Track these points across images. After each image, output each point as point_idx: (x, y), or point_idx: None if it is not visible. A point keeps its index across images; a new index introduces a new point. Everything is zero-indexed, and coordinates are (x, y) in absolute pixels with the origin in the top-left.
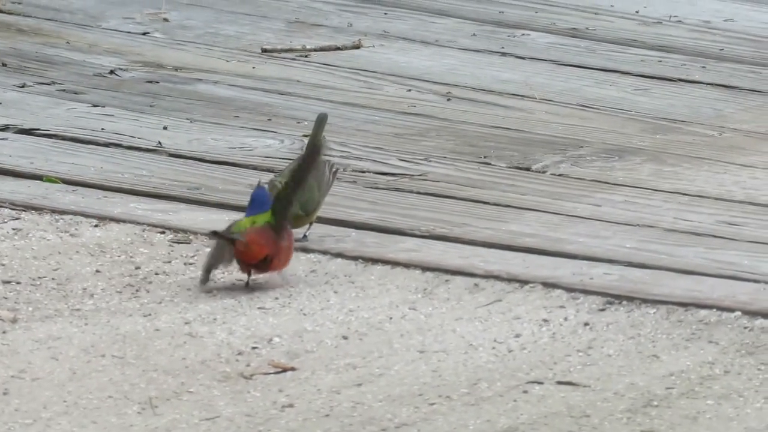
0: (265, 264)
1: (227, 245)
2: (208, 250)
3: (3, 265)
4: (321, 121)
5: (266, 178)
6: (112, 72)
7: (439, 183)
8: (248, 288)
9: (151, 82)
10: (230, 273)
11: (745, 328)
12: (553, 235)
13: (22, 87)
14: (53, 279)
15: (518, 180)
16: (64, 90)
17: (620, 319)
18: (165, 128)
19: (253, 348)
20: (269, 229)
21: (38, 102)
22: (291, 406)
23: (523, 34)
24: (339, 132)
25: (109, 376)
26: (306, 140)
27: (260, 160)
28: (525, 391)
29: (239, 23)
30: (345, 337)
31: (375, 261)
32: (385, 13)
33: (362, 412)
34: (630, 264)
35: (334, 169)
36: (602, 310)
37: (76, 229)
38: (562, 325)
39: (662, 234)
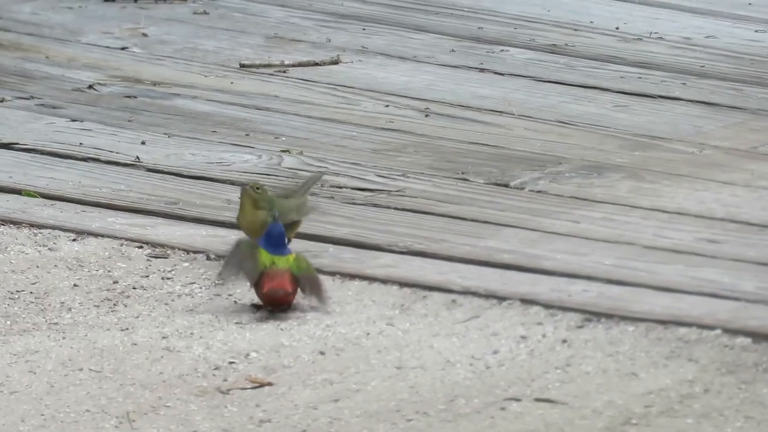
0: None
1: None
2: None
3: None
4: (314, 179)
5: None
6: (90, 87)
7: (416, 199)
8: (226, 303)
9: (129, 96)
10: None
11: (726, 346)
12: (531, 251)
13: (1, 101)
14: (31, 293)
15: (496, 196)
16: (42, 104)
17: (599, 336)
18: (143, 143)
19: (230, 363)
20: (292, 277)
21: (17, 116)
22: (268, 421)
23: (502, 50)
24: (317, 147)
25: (87, 390)
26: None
27: (238, 175)
28: (503, 408)
29: (218, 38)
30: (322, 353)
31: (352, 276)
32: (364, 29)
33: (339, 428)
34: (609, 281)
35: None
36: (580, 327)
37: (54, 243)
38: (540, 341)
39: (641, 251)
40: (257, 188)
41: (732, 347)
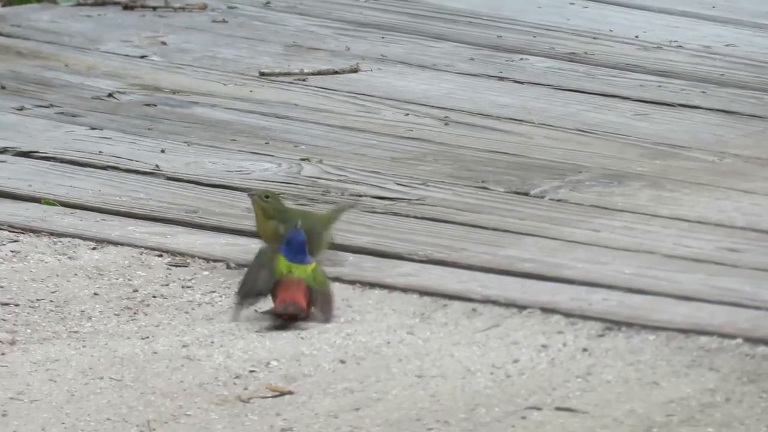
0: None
1: (265, 275)
2: (242, 277)
3: (1, 287)
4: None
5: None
6: (110, 95)
7: (436, 207)
8: (247, 311)
9: (148, 105)
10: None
11: (747, 355)
12: (552, 260)
13: (21, 110)
14: (51, 301)
15: (516, 205)
16: (62, 113)
17: (619, 345)
18: (163, 151)
19: (251, 371)
20: (306, 289)
21: (36, 125)
22: (288, 430)
23: (521, 59)
24: (336, 156)
25: (107, 399)
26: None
27: (257, 183)
28: (523, 417)
29: (237, 47)
30: (342, 361)
31: (373, 285)
32: (383, 37)
33: None
34: (629, 290)
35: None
36: (601, 335)
37: (74, 251)
38: (561, 350)
39: (662, 260)
40: (266, 197)
41: (753, 356)
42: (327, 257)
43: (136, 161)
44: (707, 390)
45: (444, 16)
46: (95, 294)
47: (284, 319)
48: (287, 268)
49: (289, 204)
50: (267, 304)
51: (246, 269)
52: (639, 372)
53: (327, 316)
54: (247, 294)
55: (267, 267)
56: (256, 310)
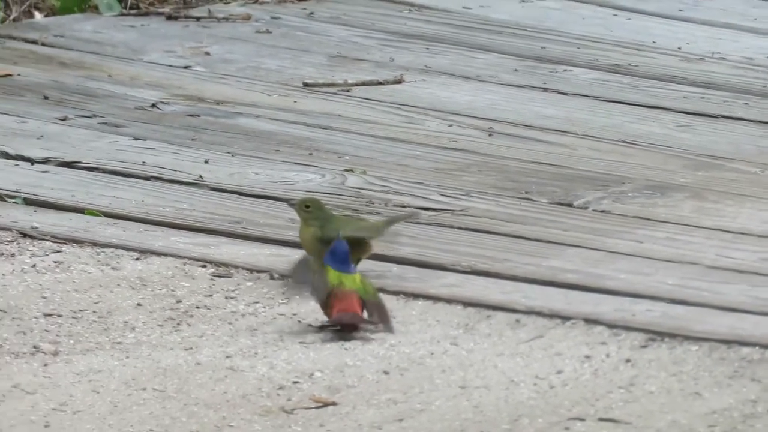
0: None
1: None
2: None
3: (44, 297)
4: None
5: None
6: (153, 105)
7: (480, 218)
8: (290, 322)
9: (192, 115)
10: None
11: None
12: (595, 271)
13: (64, 120)
14: (94, 312)
15: (560, 216)
16: (105, 123)
17: (662, 356)
18: (206, 162)
19: (294, 382)
20: (359, 300)
21: (79, 135)
22: None
23: (565, 70)
24: (380, 166)
25: (150, 410)
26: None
27: (301, 194)
28: (566, 428)
29: (280, 57)
30: (386, 372)
31: (416, 296)
32: (427, 48)
33: None
34: (672, 301)
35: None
36: (644, 346)
37: (117, 262)
38: (604, 361)
39: (705, 271)
40: (306, 206)
41: None
42: (370, 268)
43: (180, 172)
44: (749, 401)
45: (488, 27)
46: (138, 305)
47: (346, 330)
48: (337, 278)
49: (333, 212)
50: (313, 315)
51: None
52: (681, 383)
53: (389, 327)
54: (298, 285)
55: (318, 275)
56: (299, 321)
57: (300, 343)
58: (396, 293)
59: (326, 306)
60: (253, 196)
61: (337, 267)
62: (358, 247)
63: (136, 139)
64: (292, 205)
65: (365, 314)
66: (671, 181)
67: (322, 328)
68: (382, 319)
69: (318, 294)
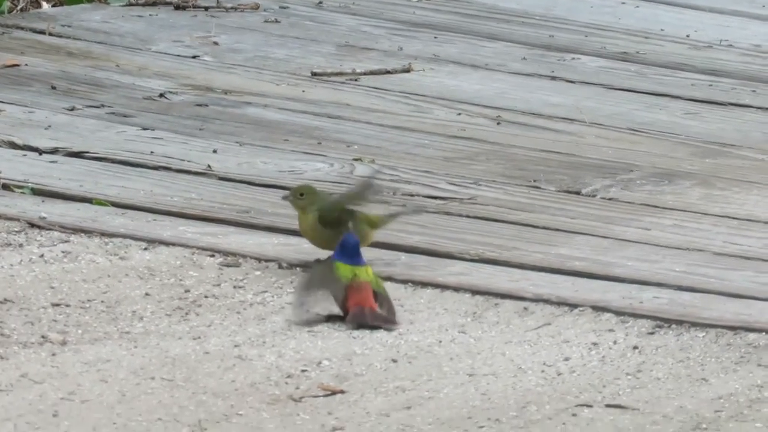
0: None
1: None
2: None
3: (53, 287)
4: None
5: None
6: (161, 95)
7: (488, 207)
8: (298, 311)
9: (200, 105)
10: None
11: None
12: (603, 258)
13: (72, 110)
14: (102, 302)
15: (568, 204)
16: (113, 113)
17: (669, 342)
18: (215, 151)
19: (303, 371)
20: (374, 293)
21: (88, 125)
22: (340, 429)
23: (573, 58)
24: (389, 155)
25: (159, 399)
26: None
27: (310, 183)
28: (574, 414)
29: (289, 47)
30: (394, 361)
31: (424, 284)
32: (435, 37)
33: None
34: (679, 288)
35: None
36: (651, 333)
37: (125, 252)
38: (612, 348)
39: (712, 258)
40: (301, 194)
41: None
42: (378, 256)
43: (188, 161)
44: (755, 386)
45: (496, 16)
46: (147, 294)
47: (358, 324)
48: (351, 272)
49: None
50: (321, 304)
51: (308, 271)
52: (688, 369)
53: (394, 320)
54: (310, 293)
55: (329, 276)
56: (308, 310)
57: (308, 331)
58: (404, 282)
59: (342, 300)
60: (262, 185)
61: (347, 261)
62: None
63: (145, 129)
64: (285, 199)
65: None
66: (679, 168)
67: (329, 316)
68: (389, 311)
69: (335, 294)
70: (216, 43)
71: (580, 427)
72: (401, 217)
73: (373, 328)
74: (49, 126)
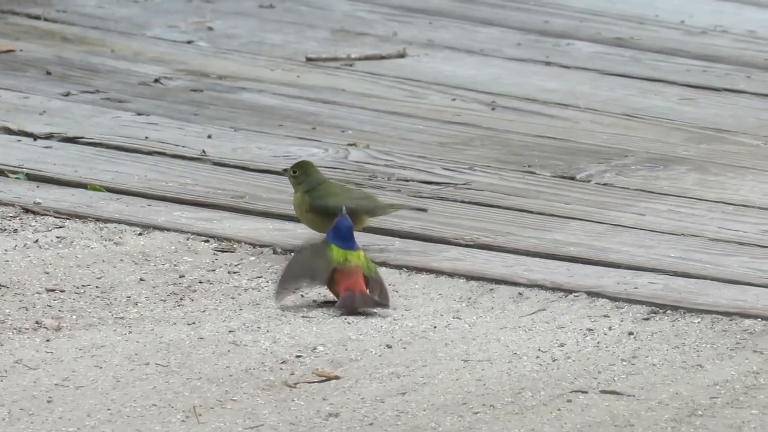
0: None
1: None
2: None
3: (47, 273)
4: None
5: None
6: (156, 80)
7: (483, 192)
8: (293, 296)
9: (195, 90)
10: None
11: None
12: (598, 244)
13: (67, 95)
14: (97, 287)
15: (562, 189)
16: (108, 98)
17: (665, 328)
18: (209, 137)
19: (297, 357)
20: (364, 278)
21: (82, 110)
22: (335, 414)
23: (568, 44)
24: (383, 141)
25: (153, 384)
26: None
27: None
28: (569, 401)
29: (284, 32)
30: (389, 346)
31: (419, 270)
32: (430, 23)
33: (406, 421)
34: (674, 273)
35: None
36: (646, 319)
37: (120, 237)
38: (607, 334)
39: (707, 243)
40: (294, 171)
41: None
42: (373, 242)
43: (183, 147)
44: (751, 372)
45: (491, 1)
46: (141, 280)
47: (346, 310)
48: (342, 256)
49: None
50: (316, 290)
51: (292, 255)
52: (684, 355)
53: (387, 303)
54: (294, 279)
55: (319, 257)
56: (302, 295)
57: (303, 317)
58: (399, 267)
59: (332, 283)
60: (257, 170)
61: (341, 244)
62: (353, 218)
63: (139, 114)
64: (284, 171)
65: (371, 292)
66: (674, 154)
67: (323, 302)
68: (381, 296)
69: (320, 278)
70: (211, 29)
71: (575, 413)
72: (403, 209)
73: (364, 313)
74: (44, 111)
